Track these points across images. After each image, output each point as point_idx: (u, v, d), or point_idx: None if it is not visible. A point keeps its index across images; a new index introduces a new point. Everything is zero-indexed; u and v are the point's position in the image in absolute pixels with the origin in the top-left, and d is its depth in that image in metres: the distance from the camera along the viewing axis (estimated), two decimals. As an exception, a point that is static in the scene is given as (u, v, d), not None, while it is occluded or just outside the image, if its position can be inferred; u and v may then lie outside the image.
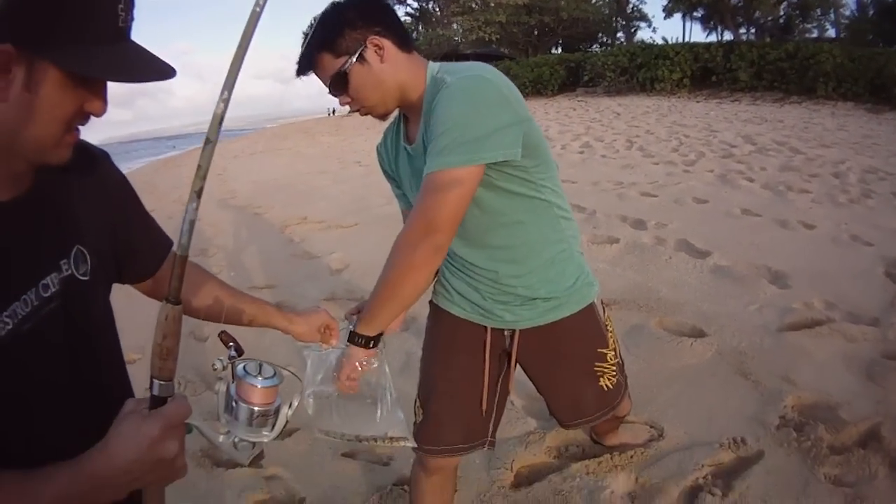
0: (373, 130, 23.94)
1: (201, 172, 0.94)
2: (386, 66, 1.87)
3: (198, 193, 0.96)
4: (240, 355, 1.21)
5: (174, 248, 0.98)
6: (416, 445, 2.12)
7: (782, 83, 25.07)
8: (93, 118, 1.12)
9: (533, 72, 34.34)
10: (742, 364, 4.09)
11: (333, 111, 47.92)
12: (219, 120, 0.92)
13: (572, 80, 34.74)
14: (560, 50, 48.71)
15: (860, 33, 34.26)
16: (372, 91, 1.88)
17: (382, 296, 1.88)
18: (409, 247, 1.80)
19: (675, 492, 2.99)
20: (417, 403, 2.37)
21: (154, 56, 1.09)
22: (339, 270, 6.89)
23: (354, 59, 1.83)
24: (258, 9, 0.91)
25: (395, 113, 2.06)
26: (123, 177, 1.44)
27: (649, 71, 30.27)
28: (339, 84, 1.85)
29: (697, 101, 25.74)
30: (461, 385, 2.30)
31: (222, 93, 0.92)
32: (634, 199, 8.88)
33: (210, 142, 0.94)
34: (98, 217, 1.32)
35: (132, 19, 1.07)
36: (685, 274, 5.78)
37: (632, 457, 3.22)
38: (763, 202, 8.17)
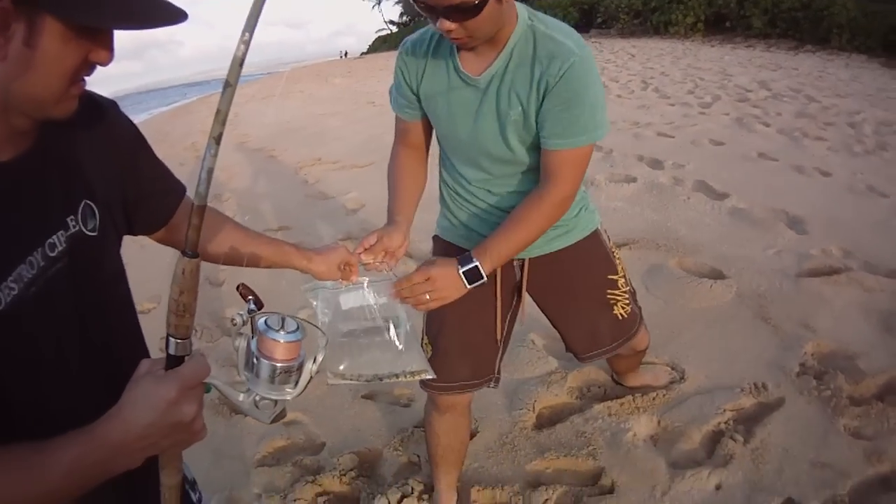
0: (385, 72, 23.68)
1: (220, 117, 0.85)
2: (505, 5, 1.82)
3: (216, 139, 0.86)
4: (259, 308, 1.11)
5: (191, 196, 0.87)
6: (435, 377, 2.01)
7: (796, 32, 24.57)
8: (100, 69, 1.04)
9: (546, 14, 33.78)
10: (762, 308, 3.98)
11: (346, 53, 47.32)
12: (239, 62, 0.82)
13: (585, 21, 34.05)
14: None
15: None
16: (491, 25, 1.81)
17: (514, 245, 1.98)
18: (552, 208, 1.97)
19: (696, 436, 2.92)
20: (425, 340, 2.32)
21: (165, 1, 0.99)
22: (354, 210, 6.80)
23: None
24: None
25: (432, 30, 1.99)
26: (132, 124, 1.36)
27: (663, 14, 29.63)
28: (468, 13, 1.72)
29: (712, 46, 25.21)
30: (472, 318, 2.25)
31: (243, 34, 0.81)
32: (651, 139, 8.67)
33: (230, 85, 0.84)
34: (107, 168, 1.24)
35: None
36: (703, 215, 5.63)
37: (654, 399, 3.13)
38: (779, 147, 7.94)
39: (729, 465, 2.74)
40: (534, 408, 3.19)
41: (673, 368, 3.41)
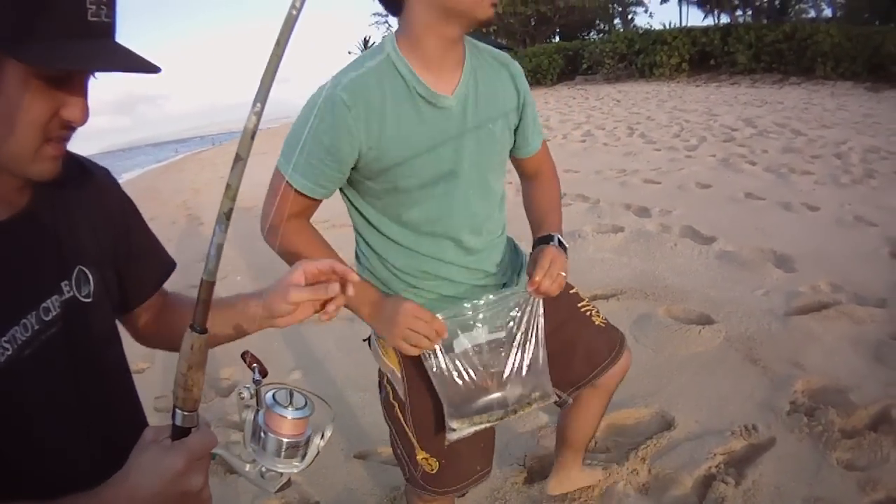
0: None
1: (231, 192, 0.87)
2: None
3: (227, 215, 0.89)
4: (264, 376, 1.13)
5: (202, 274, 0.94)
6: (559, 400, 2.02)
7: (781, 64, 24.98)
8: (91, 125, 1.06)
9: (531, 61, 34.10)
10: (751, 350, 4.08)
11: None
12: (250, 135, 0.85)
13: (571, 68, 34.57)
14: (557, 38, 48.57)
15: (856, 12, 34.16)
16: None
17: (560, 212, 2.16)
18: (559, 185, 2.24)
19: (688, 482, 2.99)
20: (424, 454, 2.06)
21: (135, 54, 1.01)
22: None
23: None
24: (294, 12, 0.81)
25: (381, 62, 1.76)
26: (125, 193, 1.38)
27: (648, 56, 30.16)
28: None
29: (697, 86, 25.64)
30: None
31: (254, 105, 0.84)
32: (638, 186, 8.86)
33: (241, 159, 0.86)
34: (101, 235, 1.27)
35: (113, 17, 0.99)
36: (691, 261, 5.76)
37: (644, 448, 3.21)
38: (766, 185, 8.14)
39: None
40: (525, 462, 3.25)
41: (662, 417, 3.50)
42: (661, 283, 5.26)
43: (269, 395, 1.10)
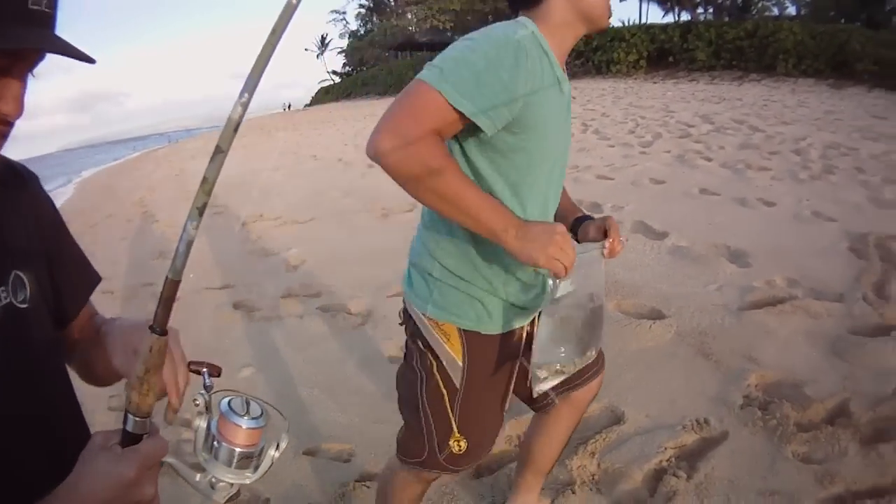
0: (328, 125, 23.94)
1: (207, 186, 0.84)
2: None
3: (200, 210, 0.86)
4: (216, 375, 1.13)
5: (168, 272, 0.90)
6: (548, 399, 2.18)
7: (741, 61, 25.45)
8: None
9: None
10: (703, 344, 4.14)
11: (289, 106, 48.02)
12: (234, 126, 0.82)
13: (528, 64, 34.92)
14: None
15: (822, 10, 34.92)
16: None
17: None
18: None
19: (638, 476, 3.02)
20: (457, 437, 2.15)
21: (72, 45, 0.97)
22: (295, 266, 6.88)
23: None
24: (294, 0, 0.78)
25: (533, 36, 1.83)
26: (53, 203, 1.35)
27: (605, 53, 30.57)
28: None
29: (654, 82, 26.02)
30: (497, 398, 2.20)
31: (241, 94, 0.80)
32: (590, 182, 8.96)
33: (222, 151, 0.82)
34: (34, 242, 1.24)
35: (54, 8, 0.97)
36: (643, 255, 5.83)
37: (594, 442, 3.23)
38: (721, 181, 8.29)
39: (672, 501, 2.84)
40: None
41: (612, 411, 3.53)
42: (612, 278, 5.29)
43: (225, 402, 1.08)
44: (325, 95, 56.49)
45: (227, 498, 1.11)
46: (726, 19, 31.03)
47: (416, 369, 2.13)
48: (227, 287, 6.44)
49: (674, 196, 7.75)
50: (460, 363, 2.04)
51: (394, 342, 4.53)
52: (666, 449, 3.16)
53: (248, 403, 1.09)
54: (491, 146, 1.84)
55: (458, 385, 2.07)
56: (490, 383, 2.12)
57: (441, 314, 2.01)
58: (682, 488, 2.89)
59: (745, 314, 4.51)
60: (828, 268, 5.22)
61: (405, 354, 2.21)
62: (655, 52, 29.52)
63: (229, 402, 1.08)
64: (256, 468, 1.11)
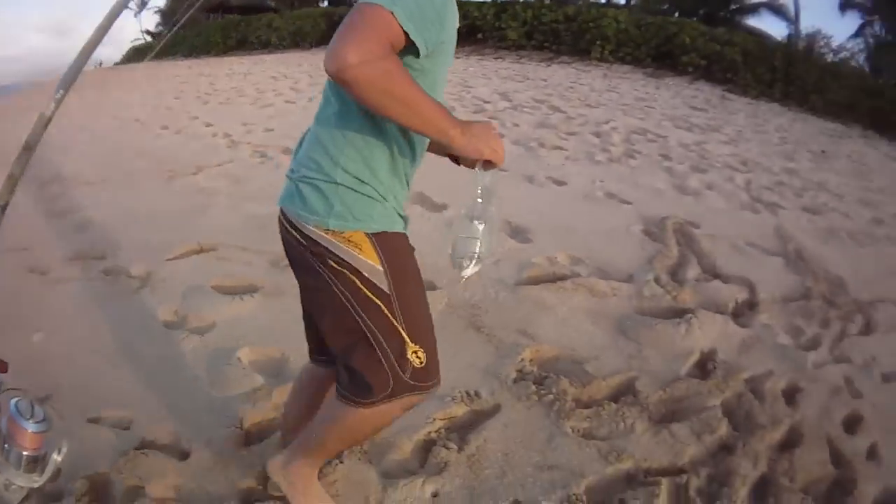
0: (132, 85, 23.04)
1: (12, 183, 0.88)
2: None
3: (2, 208, 0.93)
4: (3, 371, 1.21)
5: None
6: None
7: (554, 44, 26.30)
8: None
9: (294, 24, 34.67)
10: (475, 317, 4.23)
11: (100, 64, 46.54)
12: (45, 122, 0.80)
13: (333, 33, 35.24)
14: (326, 3, 49.43)
15: (654, 2, 36.74)
16: None
17: None
18: None
19: (407, 446, 3.07)
20: (414, 347, 2.31)
21: None
22: (84, 227, 6.68)
23: None
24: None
25: None
26: None
27: (412, 28, 31.11)
28: None
29: (457, 57, 26.44)
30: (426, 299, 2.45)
31: (57, 90, 0.85)
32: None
33: (30, 148, 0.80)
34: None
35: None
36: (420, 226, 5.82)
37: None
38: (512, 158, 8.43)
39: (444, 472, 2.90)
40: (242, 424, 3.26)
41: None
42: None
43: (13, 403, 1.16)
44: (135, 54, 55.76)
45: (19, 500, 1.20)
46: (547, 2, 32.06)
47: (337, 293, 2.24)
48: (24, 249, 6.11)
49: (458, 170, 7.80)
50: (380, 267, 2.22)
51: (168, 307, 4.49)
52: (435, 420, 3.23)
53: (33, 406, 1.18)
54: (410, 68, 2.07)
55: (387, 290, 2.24)
56: (413, 278, 2.34)
57: (346, 224, 2.18)
58: (453, 459, 2.97)
59: (522, 289, 4.65)
60: (616, 248, 5.49)
61: (310, 290, 2.40)
62: (464, 28, 30.13)
63: (17, 403, 1.17)
64: (42, 471, 1.20)
